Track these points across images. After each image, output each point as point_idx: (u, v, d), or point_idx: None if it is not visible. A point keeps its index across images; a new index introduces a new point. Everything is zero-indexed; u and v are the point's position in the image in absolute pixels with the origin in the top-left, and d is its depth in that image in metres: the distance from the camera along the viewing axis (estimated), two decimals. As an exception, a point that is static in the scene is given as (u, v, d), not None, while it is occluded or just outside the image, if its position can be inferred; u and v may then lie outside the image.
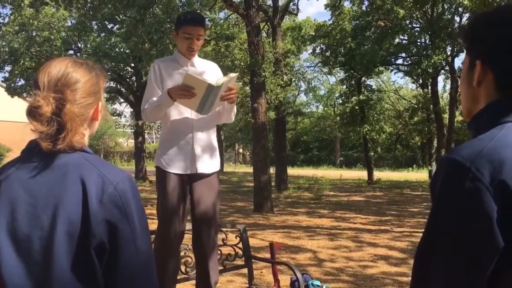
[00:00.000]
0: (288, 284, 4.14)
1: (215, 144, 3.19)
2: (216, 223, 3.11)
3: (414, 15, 20.74)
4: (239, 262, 3.69)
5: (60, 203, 1.18)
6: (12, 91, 21.11)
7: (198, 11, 15.55)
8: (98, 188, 1.20)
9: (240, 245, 3.64)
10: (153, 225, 3.12)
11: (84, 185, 1.20)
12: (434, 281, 1.01)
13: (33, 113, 1.20)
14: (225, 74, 3.15)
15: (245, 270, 3.89)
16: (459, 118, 29.33)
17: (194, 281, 3.25)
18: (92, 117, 1.35)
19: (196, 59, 3.18)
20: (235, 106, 3.18)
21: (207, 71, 3.17)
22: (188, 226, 3.12)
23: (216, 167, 3.15)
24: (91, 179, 1.21)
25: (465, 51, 1.20)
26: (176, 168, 3.00)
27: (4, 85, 21.90)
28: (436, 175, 1.04)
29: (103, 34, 21.61)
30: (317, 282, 3.95)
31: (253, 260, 3.80)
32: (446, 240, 0.99)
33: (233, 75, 2.96)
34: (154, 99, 2.99)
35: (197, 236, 3.05)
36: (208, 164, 3.09)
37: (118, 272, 1.20)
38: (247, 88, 14.29)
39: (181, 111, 3.01)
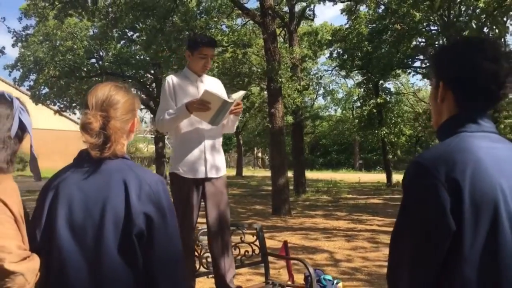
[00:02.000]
0: (303, 281, 4.39)
1: (221, 150, 3.57)
2: (228, 224, 3.45)
3: (431, 17, 20.80)
4: (257, 259, 3.98)
5: (107, 199, 1.49)
6: (37, 99, 21.75)
7: (216, 19, 15.95)
8: (137, 187, 1.51)
9: (257, 243, 3.93)
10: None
11: (126, 185, 1.51)
12: (404, 256, 1.30)
13: (85, 128, 1.51)
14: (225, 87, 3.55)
15: (262, 270, 4.17)
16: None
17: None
18: (129, 130, 1.66)
19: (204, 76, 3.55)
20: (238, 119, 3.59)
21: (214, 87, 3.52)
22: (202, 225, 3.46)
23: (223, 172, 3.52)
24: (131, 180, 1.52)
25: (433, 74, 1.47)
26: (191, 173, 3.34)
27: (29, 93, 22.56)
28: (405, 174, 1.32)
29: (123, 41, 22.15)
30: (329, 277, 4.20)
31: (269, 257, 4.07)
32: (411, 225, 1.28)
33: (242, 92, 3.33)
34: (171, 111, 3.33)
35: (212, 237, 3.37)
36: (217, 169, 3.45)
37: (153, 253, 1.51)
38: (265, 93, 14.61)
39: (192, 122, 3.36)
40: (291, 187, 15.38)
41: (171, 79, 3.47)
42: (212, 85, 3.55)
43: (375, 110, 22.94)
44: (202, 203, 3.47)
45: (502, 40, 22.95)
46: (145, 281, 1.52)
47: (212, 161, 3.40)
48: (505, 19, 12.53)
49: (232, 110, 3.31)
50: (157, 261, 1.51)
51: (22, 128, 1.67)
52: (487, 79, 1.30)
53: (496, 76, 1.30)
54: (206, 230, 3.49)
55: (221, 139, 3.58)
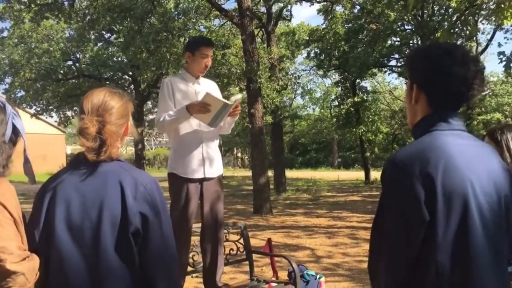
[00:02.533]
0: (286, 277, 4.50)
1: (219, 151, 3.67)
2: (222, 224, 3.53)
3: (405, 17, 21.17)
4: (241, 257, 4.08)
5: (104, 200, 1.56)
6: (13, 102, 21.26)
7: (194, 20, 15.97)
8: (132, 188, 1.59)
9: (241, 241, 4.02)
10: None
11: (122, 186, 1.58)
12: (383, 246, 1.41)
13: (82, 132, 1.58)
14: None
15: (245, 268, 4.27)
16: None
17: (200, 273, 3.63)
18: (123, 134, 1.74)
19: (201, 78, 3.62)
20: (234, 121, 3.66)
21: (210, 89, 3.61)
22: (196, 224, 3.53)
23: (221, 171, 3.62)
24: (126, 181, 1.59)
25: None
26: (191, 174, 3.42)
27: (5, 96, 22.18)
28: (383, 171, 1.44)
29: (101, 43, 21.98)
30: (312, 272, 4.33)
31: (253, 254, 4.17)
32: (389, 217, 1.40)
33: (239, 96, 3.43)
34: (171, 112, 3.40)
35: (206, 235, 3.46)
36: (215, 169, 3.54)
37: (149, 251, 1.58)
38: (244, 93, 14.72)
39: (191, 125, 3.44)
40: (271, 187, 15.51)
41: (169, 81, 3.54)
42: (209, 87, 3.64)
43: (352, 109, 23.23)
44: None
45: (474, 39, 23.51)
46: (142, 278, 1.60)
47: (210, 162, 3.50)
48: (476, 18, 12.86)
49: (231, 113, 3.41)
50: (152, 259, 1.59)
51: (16, 133, 1.73)
52: (456, 82, 1.43)
53: (465, 79, 1.42)
54: (195, 230, 3.56)
55: (218, 140, 3.70)
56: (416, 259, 1.37)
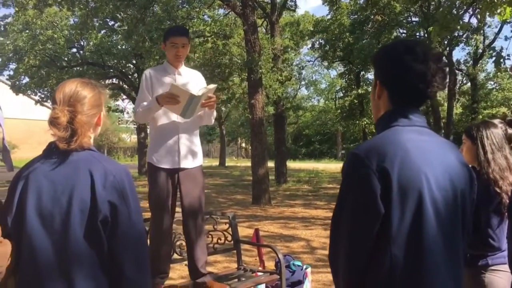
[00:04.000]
0: (274, 267, 4.55)
1: (198, 142, 3.65)
2: (202, 211, 3.56)
3: (412, 9, 21.03)
4: (230, 246, 4.13)
5: (74, 188, 1.60)
6: (17, 89, 21.50)
7: (197, 9, 15.94)
8: (102, 177, 1.63)
9: (230, 230, 4.07)
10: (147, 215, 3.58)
11: (92, 175, 1.62)
12: (341, 238, 1.46)
13: (53, 122, 1.62)
14: (210, 81, 3.62)
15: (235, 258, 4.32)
16: (458, 110, 29.70)
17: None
18: (96, 123, 1.78)
19: (183, 68, 3.64)
20: (214, 111, 3.68)
21: (192, 79, 3.64)
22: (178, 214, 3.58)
23: (199, 162, 3.61)
24: (97, 171, 1.63)
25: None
26: (165, 163, 3.45)
27: (9, 83, 22.28)
28: (344, 163, 1.47)
29: (104, 31, 21.96)
30: (298, 263, 4.37)
31: (246, 245, 4.22)
32: (347, 210, 1.43)
33: (212, 86, 3.43)
34: (145, 103, 3.45)
35: (186, 223, 3.51)
36: (192, 160, 3.55)
37: (117, 239, 1.62)
38: (246, 84, 14.73)
39: (168, 116, 3.47)
40: (272, 177, 15.54)
41: (148, 72, 3.59)
42: (191, 77, 3.66)
43: (356, 101, 23.22)
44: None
45: (481, 31, 23.32)
46: (110, 264, 1.64)
47: (185, 152, 3.52)
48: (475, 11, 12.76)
49: (204, 104, 3.42)
50: (121, 246, 1.63)
51: None
52: (415, 79, 1.45)
53: (424, 75, 1.45)
54: (180, 219, 3.61)
55: (197, 131, 3.68)
56: (372, 250, 1.40)
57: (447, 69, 1.49)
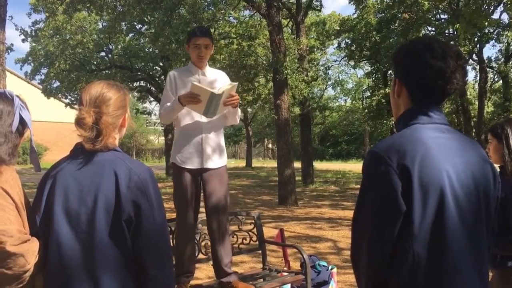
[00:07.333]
0: (299, 267, 4.54)
1: (222, 142, 3.67)
2: (226, 211, 3.58)
3: (441, 6, 20.65)
4: (254, 246, 4.15)
5: (99, 188, 1.65)
6: (48, 93, 22.01)
7: (223, 11, 16.03)
8: (126, 177, 1.66)
9: (255, 230, 4.08)
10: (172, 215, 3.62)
11: (116, 175, 1.66)
12: (363, 235, 1.46)
13: (79, 123, 1.67)
14: (232, 80, 3.63)
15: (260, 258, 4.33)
16: (490, 109, 28.99)
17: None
18: (120, 125, 1.82)
19: (207, 69, 3.67)
20: (238, 110, 3.66)
21: (217, 79, 3.66)
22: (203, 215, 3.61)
23: (224, 162, 3.63)
24: (121, 171, 1.67)
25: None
26: (189, 164, 3.48)
27: (41, 87, 22.83)
28: (364, 162, 1.46)
29: (132, 34, 22.30)
30: (324, 263, 4.35)
31: (271, 245, 4.22)
32: (368, 208, 1.43)
33: (233, 83, 3.42)
34: (168, 104, 3.50)
35: (210, 223, 3.53)
36: (217, 160, 3.57)
37: (141, 237, 1.66)
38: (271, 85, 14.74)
39: (192, 116, 3.50)
40: (299, 178, 15.49)
41: (173, 74, 3.64)
42: (215, 77, 3.69)
43: (383, 100, 22.86)
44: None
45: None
46: (135, 262, 1.68)
47: (209, 153, 3.54)
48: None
49: (226, 102, 3.43)
50: (144, 245, 1.66)
51: (23, 123, 1.84)
52: (434, 76, 1.44)
53: (443, 73, 1.43)
54: (205, 219, 3.63)
55: (221, 131, 3.69)
56: (394, 248, 1.39)
57: (467, 66, 1.46)
